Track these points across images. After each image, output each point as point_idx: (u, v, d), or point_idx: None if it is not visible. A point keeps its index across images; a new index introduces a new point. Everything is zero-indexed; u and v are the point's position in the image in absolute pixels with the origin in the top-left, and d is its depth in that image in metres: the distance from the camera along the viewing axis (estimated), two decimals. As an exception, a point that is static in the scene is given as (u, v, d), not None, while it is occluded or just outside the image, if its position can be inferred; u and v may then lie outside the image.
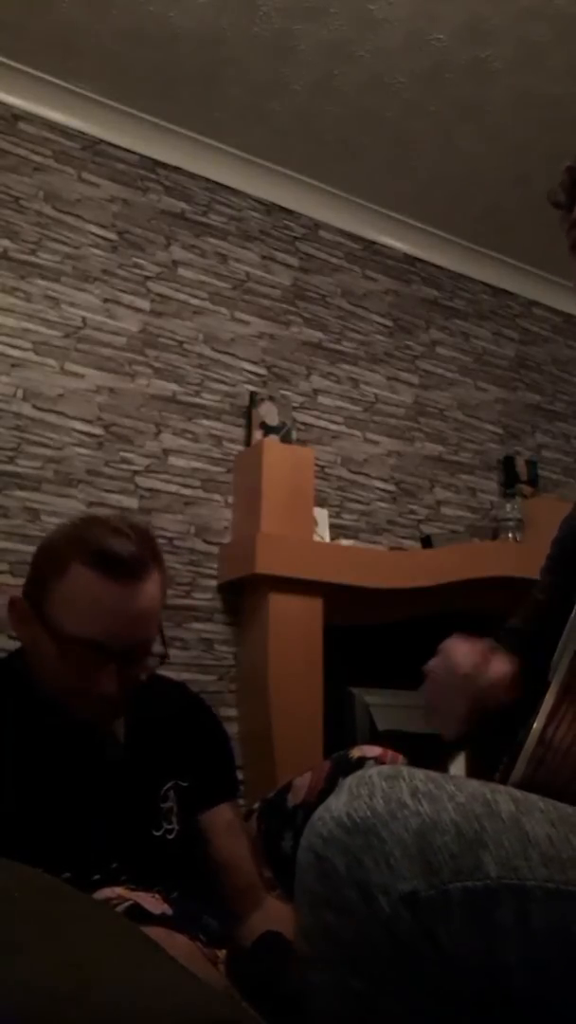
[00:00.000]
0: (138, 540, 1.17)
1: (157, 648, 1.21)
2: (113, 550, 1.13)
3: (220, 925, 1.15)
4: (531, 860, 0.58)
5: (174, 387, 2.58)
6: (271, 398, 2.72)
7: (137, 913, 0.96)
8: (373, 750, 1.35)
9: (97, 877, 1.13)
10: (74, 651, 1.12)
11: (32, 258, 2.43)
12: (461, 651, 0.93)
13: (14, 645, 1.29)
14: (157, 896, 1.05)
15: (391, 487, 2.94)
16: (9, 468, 2.28)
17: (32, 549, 2.29)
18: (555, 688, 0.78)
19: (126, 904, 0.98)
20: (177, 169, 2.72)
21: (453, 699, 0.91)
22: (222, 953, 1.05)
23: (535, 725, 0.77)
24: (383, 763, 1.30)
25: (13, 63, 2.43)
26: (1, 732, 1.18)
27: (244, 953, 1.12)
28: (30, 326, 2.38)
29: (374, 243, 3.08)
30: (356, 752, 1.35)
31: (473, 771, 0.93)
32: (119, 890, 1.03)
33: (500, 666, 0.93)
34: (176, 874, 1.22)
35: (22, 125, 2.49)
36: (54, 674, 1.15)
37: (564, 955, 0.56)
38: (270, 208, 2.88)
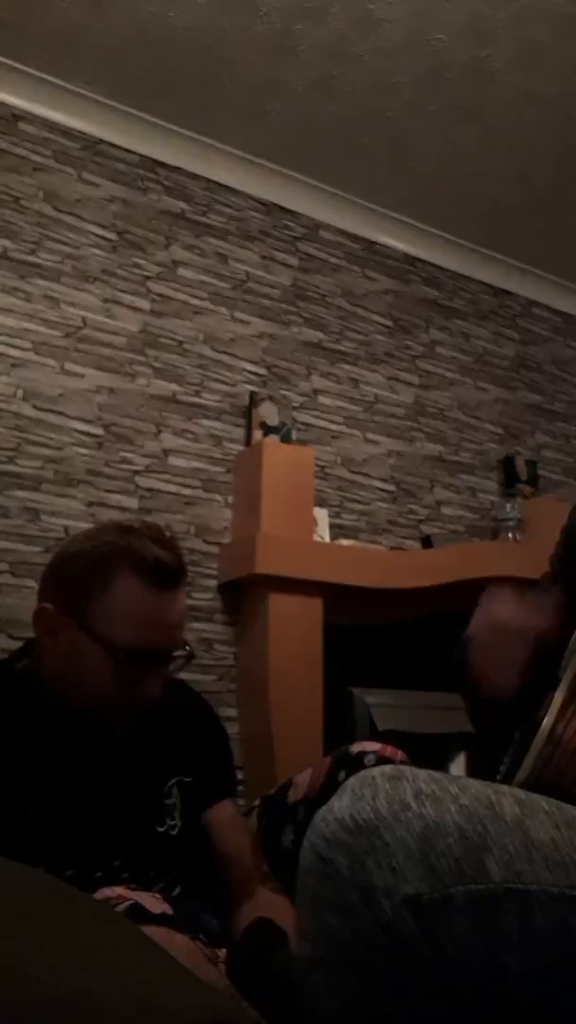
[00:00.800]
0: (174, 546, 1.21)
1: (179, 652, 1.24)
2: (161, 560, 1.16)
3: (221, 925, 1.16)
4: (535, 864, 0.58)
5: (174, 387, 2.58)
6: (271, 398, 2.71)
7: (137, 913, 0.96)
8: (373, 745, 1.36)
9: (99, 875, 1.13)
10: (130, 661, 1.14)
11: (32, 258, 2.42)
12: (504, 599, 0.90)
13: (14, 645, 1.29)
14: (157, 896, 1.05)
15: (391, 487, 2.94)
16: (9, 468, 2.27)
17: (32, 549, 2.31)
18: (565, 685, 0.77)
19: (126, 904, 0.98)
20: (177, 169, 2.72)
21: (511, 650, 0.86)
22: (223, 953, 1.05)
23: (544, 722, 0.76)
24: (383, 758, 1.30)
25: (13, 63, 2.42)
26: (4, 732, 1.18)
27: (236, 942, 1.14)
28: (30, 326, 2.38)
29: (374, 243, 3.08)
30: (356, 747, 1.36)
31: (474, 770, 0.92)
32: (119, 890, 1.03)
33: (548, 602, 0.89)
34: (178, 870, 1.23)
35: (22, 125, 2.49)
36: (95, 685, 1.16)
37: (567, 959, 0.56)
38: (270, 208, 2.88)
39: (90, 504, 2.36)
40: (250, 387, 2.71)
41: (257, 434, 2.63)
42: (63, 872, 1.10)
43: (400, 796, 0.61)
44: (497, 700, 0.87)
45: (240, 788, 2.26)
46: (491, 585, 0.93)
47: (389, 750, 1.34)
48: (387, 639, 2.56)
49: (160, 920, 0.97)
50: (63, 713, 1.20)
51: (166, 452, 2.53)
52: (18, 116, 2.48)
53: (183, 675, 1.86)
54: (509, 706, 0.85)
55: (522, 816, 0.60)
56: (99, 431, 2.43)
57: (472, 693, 0.91)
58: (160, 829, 1.24)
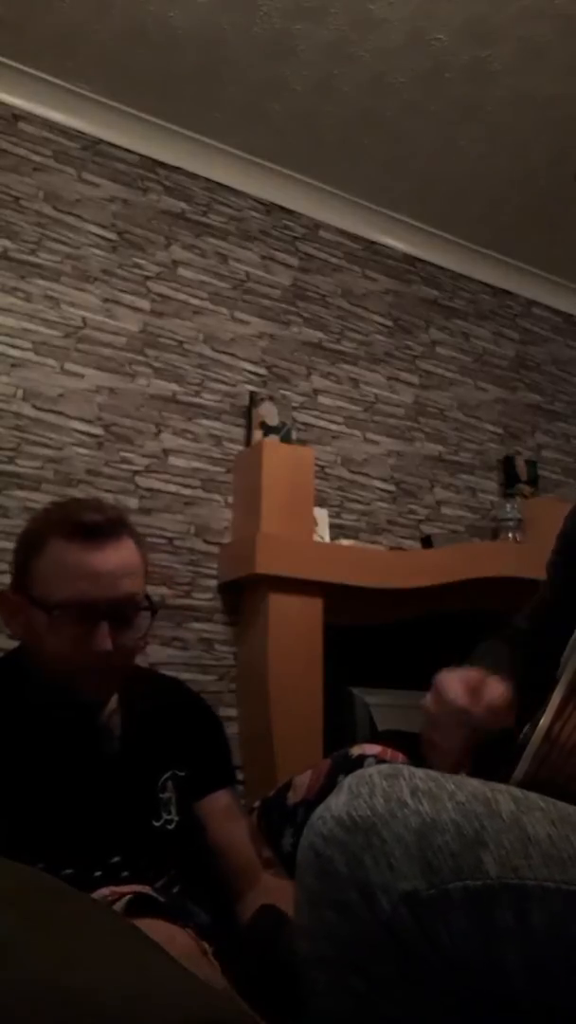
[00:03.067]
0: (107, 510, 1.24)
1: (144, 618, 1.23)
2: (85, 519, 1.19)
3: (209, 918, 1.16)
4: (531, 859, 0.58)
5: (174, 387, 2.58)
6: (271, 398, 2.72)
7: (138, 904, 0.96)
8: (373, 748, 1.36)
9: (98, 874, 1.13)
10: (64, 616, 1.16)
11: (32, 258, 2.43)
12: (454, 685, 0.92)
13: (14, 645, 1.30)
14: (148, 890, 1.05)
15: (391, 487, 2.94)
16: (9, 468, 2.27)
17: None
18: (563, 686, 0.78)
19: (126, 899, 0.98)
20: (177, 169, 2.72)
21: (451, 734, 0.90)
22: (210, 947, 1.05)
23: (542, 722, 0.76)
24: (383, 761, 1.30)
25: (13, 63, 2.43)
26: (0, 731, 1.18)
27: (235, 933, 1.14)
28: (30, 326, 2.38)
29: (374, 243, 3.08)
30: (356, 750, 1.36)
31: (474, 771, 0.92)
32: (117, 889, 1.03)
33: (494, 693, 0.91)
34: (177, 864, 1.23)
35: (22, 125, 2.49)
36: (52, 650, 1.17)
37: (564, 955, 0.56)
38: (270, 208, 2.88)
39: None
40: (250, 387, 2.71)
41: (257, 434, 2.63)
42: (62, 871, 1.10)
43: (397, 793, 0.61)
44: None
45: (240, 788, 2.26)
46: (443, 672, 0.96)
47: (389, 753, 1.34)
48: (387, 639, 2.56)
49: (160, 909, 0.97)
50: (55, 708, 1.21)
51: (166, 452, 2.53)
52: (18, 116, 2.48)
53: (183, 675, 1.87)
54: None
55: (518, 813, 0.60)
56: (99, 431, 2.43)
57: (427, 756, 0.95)
58: (156, 824, 1.24)
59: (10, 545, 2.19)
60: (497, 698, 0.90)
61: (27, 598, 1.19)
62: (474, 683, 0.92)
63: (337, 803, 0.63)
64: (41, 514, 1.27)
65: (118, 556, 1.20)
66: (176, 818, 1.27)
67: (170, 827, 1.25)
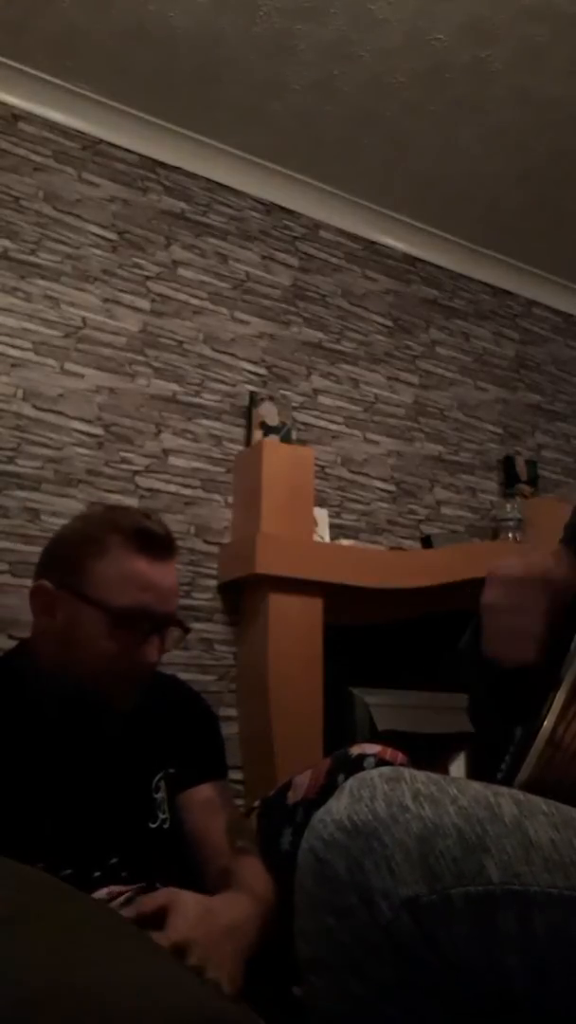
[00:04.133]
0: (161, 522, 1.28)
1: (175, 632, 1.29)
2: (151, 530, 1.23)
3: None
4: (534, 865, 0.57)
5: (174, 387, 2.58)
6: (271, 398, 2.71)
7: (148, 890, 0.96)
8: (373, 747, 1.35)
9: (97, 874, 1.13)
10: (126, 623, 1.19)
11: (32, 258, 2.42)
12: (510, 563, 0.85)
13: (14, 645, 1.30)
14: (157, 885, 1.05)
15: (391, 487, 2.94)
16: (9, 468, 2.27)
17: (32, 549, 2.30)
18: (567, 687, 0.77)
19: (126, 896, 0.98)
20: (177, 169, 2.72)
21: (534, 600, 0.83)
22: None
23: (545, 724, 0.76)
24: (383, 760, 1.30)
25: (13, 63, 2.42)
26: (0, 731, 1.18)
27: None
28: (30, 326, 2.38)
29: (374, 243, 3.08)
30: (356, 750, 1.35)
31: (474, 771, 0.91)
32: (111, 888, 1.04)
33: (561, 555, 0.85)
34: (175, 864, 1.22)
35: (22, 125, 2.49)
36: (100, 651, 1.19)
37: (566, 960, 0.56)
38: (270, 208, 2.88)
39: (90, 504, 2.36)
40: (250, 387, 2.71)
41: (257, 434, 2.63)
42: (61, 871, 1.10)
43: (398, 797, 0.61)
44: (525, 665, 0.82)
45: (240, 788, 2.26)
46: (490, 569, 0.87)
47: (389, 752, 1.33)
48: (387, 639, 2.56)
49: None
50: (56, 708, 1.21)
51: (166, 452, 2.53)
52: (18, 116, 2.48)
53: (183, 675, 1.87)
54: (537, 670, 0.80)
55: (521, 817, 0.60)
56: (99, 431, 2.43)
57: (490, 669, 0.85)
58: (152, 825, 1.24)
59: (10, 545, 2.22)
60: (567, 556, 0.84)
61: (78, 596, 1.20)
62: (531, 555, 0.86)
63: (338, 807, 0.62)
64: (96, 516, 1.31)
65: (174, 574, 1.26)
66: (168, 816, 1.26)
67: (165, 827, 1.25)
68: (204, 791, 1.32)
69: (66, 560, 1.24)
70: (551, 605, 0.82)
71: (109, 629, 1.18)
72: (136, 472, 2.46)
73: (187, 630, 1.30)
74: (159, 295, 2.61)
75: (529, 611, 0.83)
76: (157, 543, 1.23)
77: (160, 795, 1.27)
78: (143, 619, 1.20)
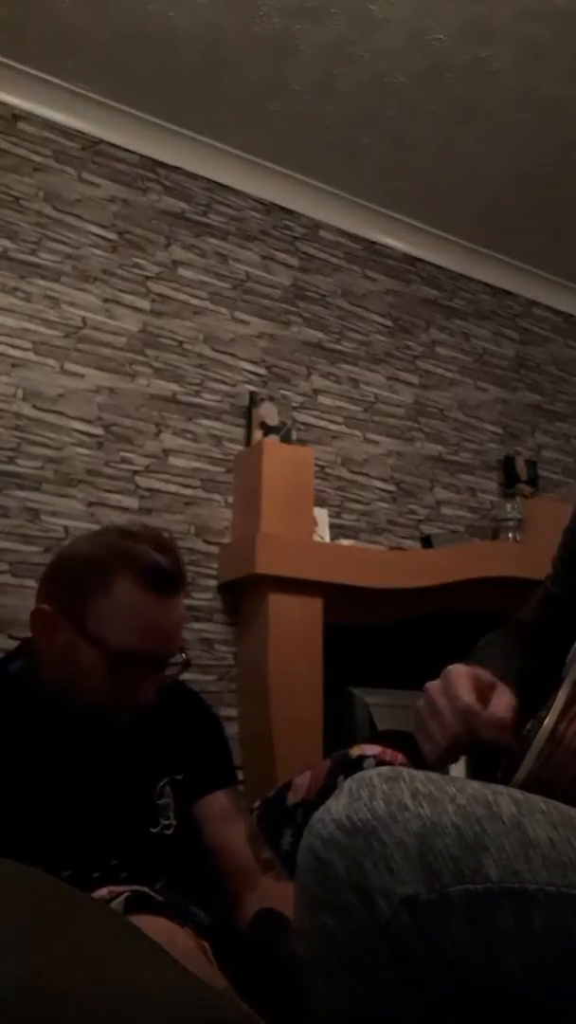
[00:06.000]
0: (175, 553, 1.22)
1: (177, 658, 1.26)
2: (161, 566, 1.18)
3: (210, 919, 1.16)
4: (532, 863, 0.57)
5: (174, 387, 2.58)
6: (271, 398, 2.71)
7: (138, 901, 0.96)
8: (372, 748, 1.35)
9: (97, 875, 1.13)
10: (124, 665, 1.16)
11: (32, 258, 2.42)
12: (464, 680, 0.89)
13: (14, 645, 1.29)
14: (147, 889, 1.05)
15: (391, 487, 2.94)
16: (9, 468, 2.27)
17: (32, 549, 2.30)
18: (568, 685, 0.77)
19: (124, 896, 0.98)
20: (177, 169, 2.72)
21: (448, 729, 0.87)
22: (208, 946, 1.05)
23: (546, 722, 0.76)
24: (383, 761, 1.30)
25: (13, 63, 2.42)
26: (0, 734, 1.18)
27: (235, 937, 1.13)
28: (30, 326, 2.38)
29: (374, 243, 3.08)
30: (356, 750, 1.35)
31: (474, 772, 0.91)
32: (111, 888, 1.03)
33: (501, 703, 0.88)
34: (175, 869, 1.22)
35: (22, 125, 2.49)
36: (95, 685, 1.17)
37: (565, 959, 0.56)
38: (270, 208, 2.88)
39: (90, 504, 2.36)
40: (250, 387, 2.71)
41: (257, 434, 2.63)
42: (61, 872, 1.10)
43: (397, 797, 0.61)
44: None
45: (240, 788, 2.26)
46: (456, 665, 0.93)
47: (389, 753, 1.33)
48: (387, 639, 2.56)
49: (159, 907, 0.96)
50: (57, 713, 1.20)
51: (166, 452, 2.53)
52: (18, 116, 2.48)
53: (183, 676, 1.87)
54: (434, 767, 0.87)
55: (519, 816, 0.60)
56: (99, 431, 2.43)
57: (416, 737, 0.94)
58: (154, 830, 1.24)
59: (10, 545, 2.22)
60: (503, 709, 0.87)
61: (76, 628, 1.17)
62: (484, 686, 0.90)
63: (337, 806, 0.63)
64: (107, 545, 1.22)
65: (179, 611, 1.22)
66: (174, 822, 1.26)
67: (168, 832, 1.25)
68: (220, 799, 1.32)
69: (70, 590, 1.20)
70: (455, 743, 0.88)
71: (106, 669, 1.16)
72: (136, 472, 2.46)
73: (188, 664, 1.27)
74: (159, 295, 2.61)
75: (437, 738, 0.89)
76: (166, 581, 1.18)
77: (165, 800, 1.27)
78: (142, 661, 1.18)
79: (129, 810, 1.22)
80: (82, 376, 2.43)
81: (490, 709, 0.87)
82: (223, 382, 2.68)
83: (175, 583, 1.20)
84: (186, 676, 2.25)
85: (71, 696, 1.19)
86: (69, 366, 2.42)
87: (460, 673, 0.90)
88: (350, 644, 2.46)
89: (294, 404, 2.77)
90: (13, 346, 2.35)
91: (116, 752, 1.25)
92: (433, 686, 0.92)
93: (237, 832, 1.31)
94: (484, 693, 0.89)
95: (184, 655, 1.26)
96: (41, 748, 1.19)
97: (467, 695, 0.87)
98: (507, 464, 3.18)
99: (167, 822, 1.25)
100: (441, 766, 0.86)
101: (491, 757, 0.93)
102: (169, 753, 1.31)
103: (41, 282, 2.43)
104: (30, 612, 1.22)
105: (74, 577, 1.20)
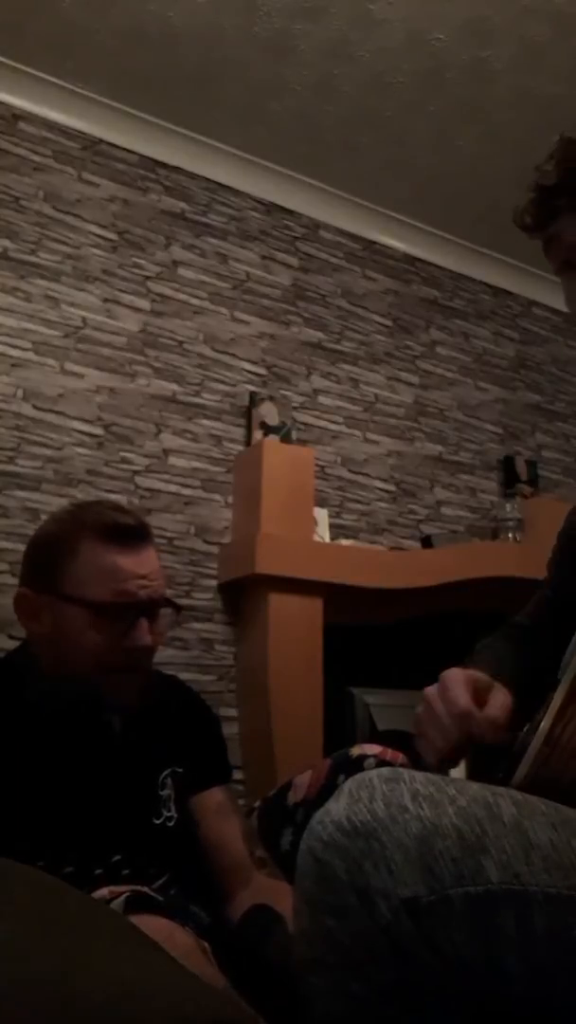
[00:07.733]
0: (131, 512, 1.29)
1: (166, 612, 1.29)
2: (117, 521, 1.23)
3: (210, 918, 1.16)
4: (533, 865, 0.58)
5: (174, 387, 2.58)
6: (271, 398, 2.71)
7: (137, 901, 0.96)
8: (373, 748, 1.36)
9: (99, 872, 1.13)
10: (108, 614, 1.20)
11: (32, 258, 2.42)
12: (460, 684, 0.90)
13: (13, 645, 1.30)
14: (146, 889, 1.05)
15: (391, 487, 2.94)
16: (9, 468, 2.27)
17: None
18: (564, 687, 0.77)
19: (124, 896, 0.98)
20: (177, 169, 2.72)
21: (446, 733, 0.88)
22: (208, 946, 1.05)
23: (543, 724, 0.76)
24: (383, 761, 1.30)
25: (13, 63, 2.42)
26: (2, 729, 1.18)
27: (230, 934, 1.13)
28: (30, 326, 2.38)
29: (374, 243, 3.08)
30: (356, 750, 1.36)
31: (474, 773, 0.91)
32: (111, 888, 1.03)
33: (497, 704, 0.90)
34: (177, 861, 1.23)
35: (22, 125, 2.49)
36: (90, 646, 1.20)
37: (565, 960, 0.56)
38: (270, 208, 2.88)
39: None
40: (250, 387, 2.71)
41: (257, 434, 2.63)
42: (63, 869, 1.10)
43: (398, 798, 0.61)
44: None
45: (240, 788, 2.26)
46: (452, 669, 0.94)
47: (389, 753, 1.33)
48: (387, 639, 2.56)
49: (159, 907, 0.97)
50: (59, 706, 1.21)
51: (166, 452, 2.53)
52: (18, 116, 2.48)
53: (183, 675, 1.87)
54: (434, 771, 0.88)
55: (520, 817, 0.60)
56: (99, 431, 2.43)
57: (415, 741, 0.96)
58: (157, 822, 1.25)
59: (10, 545, 2.22)
60: (499, 710, 0.89)
61: (58, 597, 1.21)
62: (481, 688, 0.91)
63: (337, 808, 0.63)
64: (65, 516, 1.29)
65: (150, 558, 1.25)
66: (175, 815, 1.27)
67: (170, 824, 1.26)
68: (215, 795, 1.34)
69: (41, 565, 1.25)
70: (454, 746, 0.89)
71: (93, 622, 1.20)
72: (136, 472, 2.46)
73: (178, 609, 1.30)
74: (159, 295, 2.61)
75: (435, 742, 0.90)
76: (127, 533, 1.23)
77: (166, 792, 1.28)
78: (125, 608, 1.21)
79: (133, 801, 1.23)
80: (82, 376, 2.43)
81: (485, 710, 0.88)
82: (223, 382, 2.67)
83: (137, 533, 1.24)
84: (186, 676, 2.25)
85: (72, 671, 1.21)
86: (69, 366, 2.42)
87: (456, 677, 0.91)
88: (350, 644, 2.46)
89: (294, 404, 2.77)
90: (13, 346, 2.34)
91: (119, 744, 1.26)
92: (431, 691, 0.93)
93: (232, 828, 1.32)
94: (481, 695, 0.90)
95: (172, 607, 1.29)
96: (44, 741, 1.19)
97: (464, 699, 0.88)
98: (507, 464, 3.18)
99: (169, 814, 1.26)
100: (442, 771, 0.86)
101: (491, 758, 0.93)
102: (171, 745, 1.32)
103: (41, 282, 2.42)
104: (13, 600, 1.26)
105: (43, 554, 1.26)
